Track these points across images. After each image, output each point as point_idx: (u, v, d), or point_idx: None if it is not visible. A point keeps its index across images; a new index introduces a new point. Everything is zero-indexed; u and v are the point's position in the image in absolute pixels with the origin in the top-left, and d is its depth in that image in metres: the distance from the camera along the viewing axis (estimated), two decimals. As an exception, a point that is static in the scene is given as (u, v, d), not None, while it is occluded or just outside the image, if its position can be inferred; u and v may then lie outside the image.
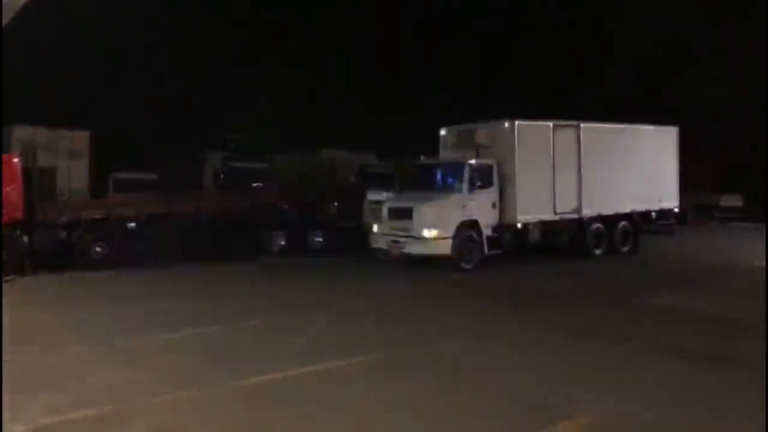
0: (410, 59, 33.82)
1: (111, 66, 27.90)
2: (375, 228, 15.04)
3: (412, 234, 14.03)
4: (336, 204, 18.93)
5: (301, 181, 19.29)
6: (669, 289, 11.80)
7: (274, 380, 6.19)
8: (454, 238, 13.96)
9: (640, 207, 17.26)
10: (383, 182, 21.13)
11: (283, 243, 17.16)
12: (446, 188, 14.77)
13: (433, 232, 13.86)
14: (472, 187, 14.41)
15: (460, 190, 14.40)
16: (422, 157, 23.20)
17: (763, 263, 15.16)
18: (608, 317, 9.47)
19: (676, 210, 18.50)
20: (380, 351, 7.29)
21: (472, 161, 14.63)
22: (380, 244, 14.85)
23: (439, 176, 15.27)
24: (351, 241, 19.08)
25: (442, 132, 16.52)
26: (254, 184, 18.63)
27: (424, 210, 14.05)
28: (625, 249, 16.95)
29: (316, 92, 33.62)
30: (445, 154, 16.02)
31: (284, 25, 33.43)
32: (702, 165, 26.08)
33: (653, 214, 17.82)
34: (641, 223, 17.35)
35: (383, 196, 20.62)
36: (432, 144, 23.75)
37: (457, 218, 14.08)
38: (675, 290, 11.71)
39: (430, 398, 5.73)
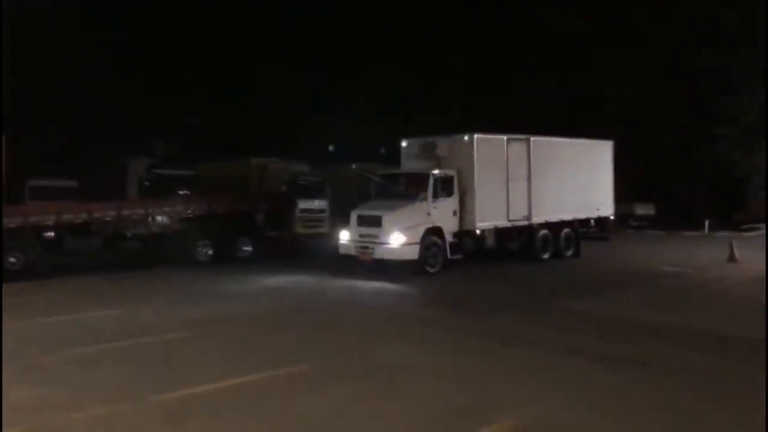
0: (342, 72, 33.93)
1: (27, 68, 26.47)
2: (343, 234, 15.69)
3: (381, 240, 14.76)
4: (266, 212, 18.59)
5: (231, 189, 18.82)
6: (597, 294, 12.58)
7: (196, 394, 6.03)
8: (420, 243, 14.82)
9: (581, 215, 18.72)
10: (316, 191, 21.02)
11: (210, 252, 16.64)
12: (411, 197, 15.54)
13: (401, 238, 14.63)
14: (435, 196, 15.36)
15: (424, 199, 15.26)
16: (354, 166, 23.33)
17: (673, 268, 16.02)
18: (537, 322, 10.00)
19: (612, 217, 20.11)
20: (309, 361, 7.18)
21: (436, 172, 15.59)
22: (349, 250, 15.47)
23: (403, 186, 16.15)
24: (281, 249, 18.85)
25: (404, 143, 17.36)
26: (180, 192, 17.98)
27: (394, 217, 14.83)
28: (569, 253, 18.33)
29: (248, 100, 33.02)
30: (407, 165, 16.97)
31: (209, 27, 32.69)
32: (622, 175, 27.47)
33: (592, 221, 19.29)
34: (581, 229, 18.90)
35: (315, 204, 20.56)
36: (364, 154, 23.90)
37: (423, 225, 14.97)
38: (601, 294, 12.45)
39: (353, 407, 5.71)
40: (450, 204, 15.65)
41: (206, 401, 5.97)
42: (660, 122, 31.10)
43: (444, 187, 15.54)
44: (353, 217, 15.53)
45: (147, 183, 19.08)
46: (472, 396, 6.10)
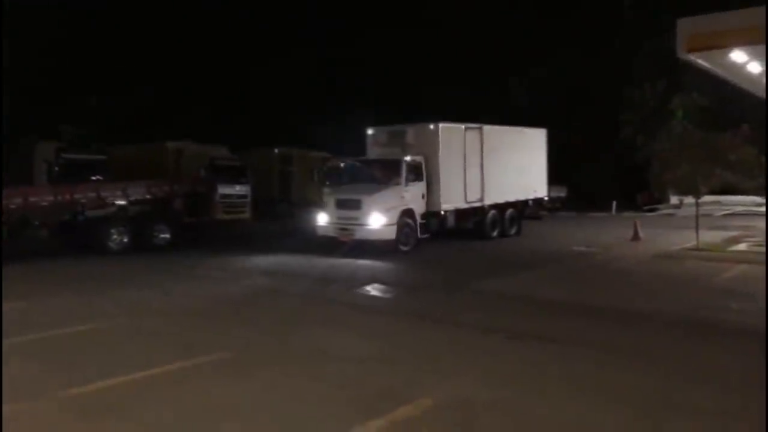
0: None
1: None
2: (321, 217, 17.05)
3: (361, 222, 16.25)
4: (184, 198, 17.94)
5: (145, 174, 18.05)
6: (521, 271, 13.76)
7: (111, 386, 5.93)
8: (396, 225, 16.43)
9: (521, 196, 21.08)
10: (236, 176, 20.55)
11: (125, 240, 15.91)
12: (385, 182, 16.98)
13: (382, 220, 16.16)
14: (407, 181, 16.93)
15: (398, 183, 16.82)
16: (276, 150, 23.11)
17: (584, 248, 16.76)
18: (460, 301, 10.68)
19: (546, 199, 22.93)
20: (229, 348, 7.10)
21: (408, 158, 17.15)
22: (328, 232, 16.90)
23: (376, 171, 17.55)
24: (200, 236, 18.30)
25: (370, 131, 18.79)
26: (92, 177, 17.08)
27: (373, 200, 16.29)
28: (512, 232, 20.72)
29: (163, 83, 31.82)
30: (374, 152, 18.49)
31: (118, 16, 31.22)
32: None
33: (530, 202, 21.76)
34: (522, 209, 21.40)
35: (236, 189, 20.14)
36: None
37: (398, 207, 16.60)
38: (524, 272, 13.65)
39: (274, 393, 5.76)
40: (420, 188, 17.31)
41: (121, 394, 5.87)
42: (571, 109, 32.53)
43: (414, 172, 17.15)
44: (330, 200, 16.96)
45: (56, 168, 17.94)
46: (393, 376, 6.27)
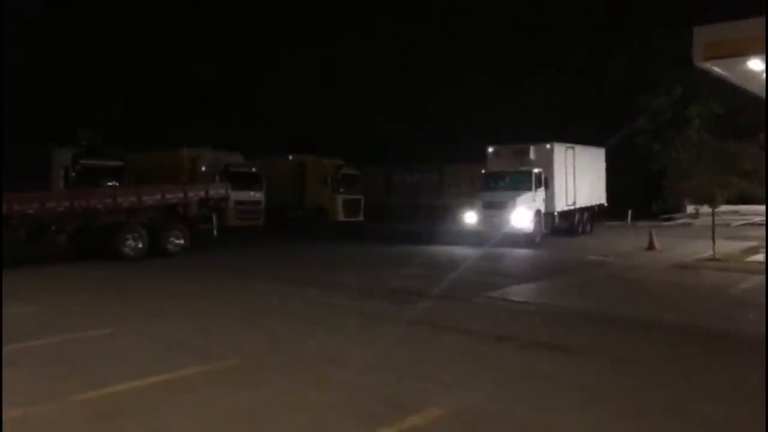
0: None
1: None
2: (470, 216, 22.97)
3: (506, 219, 22.11)
4: (198, 204, 18.02)
5: (161, 180, 18.20)
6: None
7: (120, 392, 6.55)
8: (533, 222, 22.75)
9: (593, 202, 27.92)
10: (251, 182, 20.63)
11: (140, 245, 15.99)
12: (521, 189, 22.55)
13: (525, 217, 22.17)
14: (536, 188, 23.18)
15: (530, 189, 23.10)
16: (290, 157, 23.09)
17: (602, 258, 16.62)
18: (480, 311, 11.13)
19: (606, 205, 29.47)
20: (241, 354, 7.46)
21: (536, 170, 23.56)
22: (478, 227, 22.88)
23: (508, 180, 23.30)
24: (215, 242, 18.36)
25: (491, 149, 24.91)
26: (109, 183, 17.24)
27: (518, 202, 22.44)
28: (588, 230, 27.92)
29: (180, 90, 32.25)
30: (495, 165, 23.64)
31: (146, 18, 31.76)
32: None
33: (596, 207, 28.42)
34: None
35: (251, 196, 20.21)
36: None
37: (533, 208, 23.10)
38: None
39: (282, 401, 6.01)
40: (543, 193, 23.74)
41: (132, 398, 6.43)
42: (586, 118, 32.43)
43: (540, 181, 23.48)
44: (480, 202, 23.08)
45: (73, 174, 18.16)
46: (402, 385, 6.90)
